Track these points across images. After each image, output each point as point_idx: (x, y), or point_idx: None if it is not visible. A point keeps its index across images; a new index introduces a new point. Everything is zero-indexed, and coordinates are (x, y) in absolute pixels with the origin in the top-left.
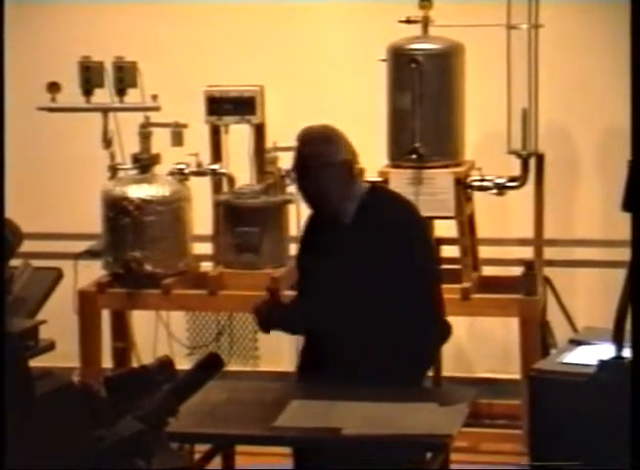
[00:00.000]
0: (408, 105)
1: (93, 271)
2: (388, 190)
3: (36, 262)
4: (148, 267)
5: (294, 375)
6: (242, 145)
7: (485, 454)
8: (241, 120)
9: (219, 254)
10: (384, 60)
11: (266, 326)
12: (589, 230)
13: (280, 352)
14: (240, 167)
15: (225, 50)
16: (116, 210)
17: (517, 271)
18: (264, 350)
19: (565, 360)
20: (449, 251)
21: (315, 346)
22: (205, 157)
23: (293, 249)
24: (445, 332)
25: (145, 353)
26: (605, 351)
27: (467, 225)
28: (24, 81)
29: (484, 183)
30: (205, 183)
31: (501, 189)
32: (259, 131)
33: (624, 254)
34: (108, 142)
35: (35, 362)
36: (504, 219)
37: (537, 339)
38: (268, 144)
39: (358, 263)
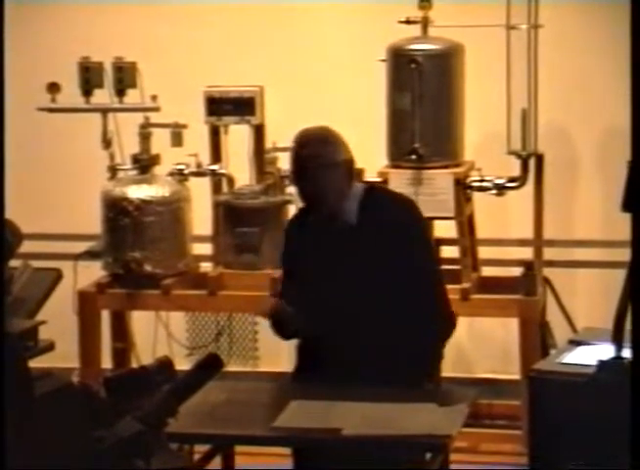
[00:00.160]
0: (408, 105)
1: (93, 272)
2: (385, 189)
3: (36, 263)
4: (147, 268)
5: (291, 375)
6: (241, 145)
7: (485, 455)
8: (240, 121)
9: (219, 254)
10: (383, 60)
11: (288, 333)
12: (589, 231)
13: (279, 352)
14: (239, 168)
15: (225, 50)
16: (116, 210)
17: (516, 272)
18: (264, 350)
19: (564, 361)
20: (449, 251)
21: (317, 347)
22: (205, 157)
23: None
24: (451, 326)
25: (144, 354)
26: (604, 351)
27: (466, 226)
28: (24, 82)
29: (484, 184)
30: (205, 184)
31: (501, 189)
32: (259, 132)
33: (624, 254)
34: (107, 142)
35: (35, 363)
36: (504, 220)
37: (537, 339)
38: (268, 144)
39: (368, 264)
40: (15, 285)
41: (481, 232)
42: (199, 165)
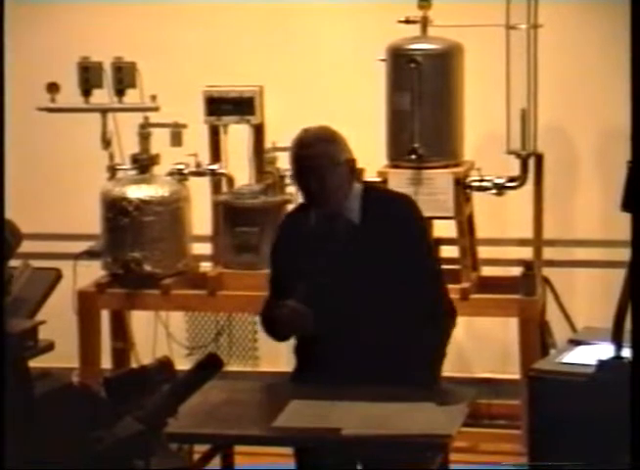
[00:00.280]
0: (407, 105)
1: (92, 272)
2: (382, 188)
3: (36, 263)
4: (147, 268)
5: (291, 376)
6: (241, 145)
7: (485, 454)
8: (240, 121)
9: (218, 254)
10: (383, 60)
11: (287, 333)
12: (588, 230)
13: (279, 352)
14: (239, 168)
15: (225, 50)
16: (116, 210)
17: (516, 271)
18: (263, 350)
19: (564, 360)
20: (448, 251)
21: (321, 347)
22: (205, 157)
23: None
24: (454, 317)
25: (144, 354)
26: (604, 350)
27: (466, 225)
28: (24, 82)
29: (484, 183)
30: (205, 183)
31: (500, 189)
32: (258, 131)
33: (624, 254)
34: (107, 142)
35: (34, 363)
36: (503, 220)
37: (537, 339)
38: (267, 144)
39: (373, 262)
40: (14, 285)
41: (481, 232)
42: (198, 165)
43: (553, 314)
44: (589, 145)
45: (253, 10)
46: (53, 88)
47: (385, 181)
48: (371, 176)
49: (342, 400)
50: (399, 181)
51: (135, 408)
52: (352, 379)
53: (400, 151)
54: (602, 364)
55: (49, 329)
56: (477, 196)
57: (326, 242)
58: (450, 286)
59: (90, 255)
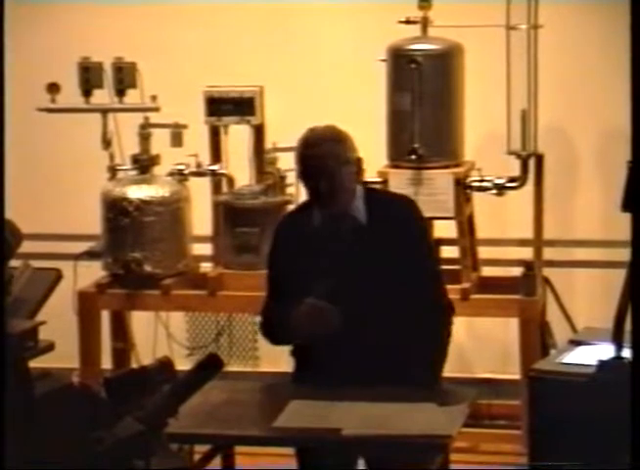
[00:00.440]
0: (408, 105)
1: (93, 272)
2: (382, 189)
3: (36, 263)
4: (147, 268)
5: (291, 377)
6: (241, 146)
7: (485, 455)
8: (240, 121)
9: (219, 254)
10: (383, 60)
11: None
12: (589, 230)
13: (280, 352)
14: (239, 168)
15: (225, 50)
16: (116, 210)
17: (516, 272)
18: (264, 350)
19: (564, 361)
20: (449, 251)
21: (324, 347)
22: (205, 157)
23: None
24: (452, 314)
25: (144, 354)
26: (604, 351)
27: (466, 226)
28: (24, 82)
29: (484, 184)
30: (205, 184)
31: (501, 189)
32: (259, 132)
33: (624, 254)
34: (107, 143)
35: (35, 363)
36: (503, 220)
37: (537, 339)
38: (268, 145)
39: (381, 261)
40: (15, 285)
41: (481, 232)
42: (198, 166)
43: (553, 315)
44: (589, 145)
45: (253, 10)
46: (53, 88)
47: (385, 181)
48: (371, 176)
49: (343, 401)
50: (399, 181)
51: (135, 409)
52: (355, 379)
53: (400, 151)
54: (602, 365)
55: (49, 329)
56: (477, 196)
57: (332, 242)
58: (451, 286)
59: (90, 255)
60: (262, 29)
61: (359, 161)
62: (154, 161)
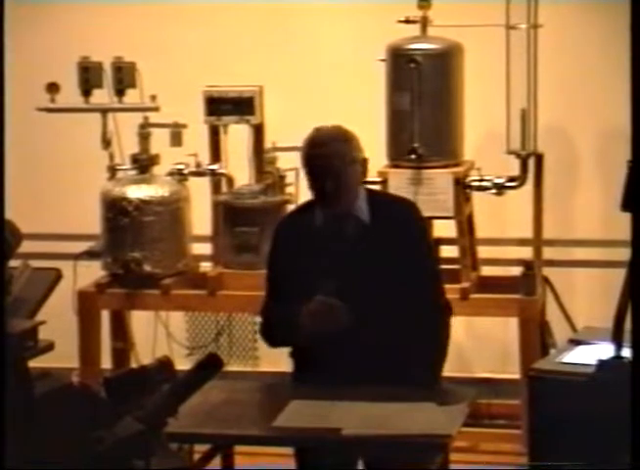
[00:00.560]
0: (407, 105)
1: (92, 272)
2: (381, 190)
3: (35, 263)
4: (147, 268)
5: (291, 377)
6: (241, 145)
7: (485, 454)
8: (240, 121)
9: (218, 254)
10: (383, 60)
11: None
12: (588, 230)
13: (279, 352)
14: (239, 168)
15: (224, 50)
16: (116, 210)
17: (516, 271)
18: (263, 350)
19: (564, 360)
20: (448, 251)
21: (321, 348)
22: (205, 157)
23: None
24: (450, 314)
25: (144, 354)
26: (604, 350)
27: (466, 225)
28: (23, 82)
29: (483, 183)
30: (205, 183)
31: (500, 189)
32: (258, 131)
33: (623, 253)
34: (107, 142)
35: (34, 363)
36: (503, 219)
37: (537, 339)
38: (267, 144)
39: (384, 261)
40: (14, 285)
41: (481, 232)
42: (198, 165)
43: (553, 314)
44: (589, 145)
45: (253, 10)
46: (53, 88)
47: (385, 181)
48: (371, 176)
49: (343, 401)
50: (399, 181)
51: (135, 408)
52: (355, 379)
53: (400, 151)
54: (602, 364)
55: (49, 329)
56: (476, 196)
57: (335, 241)
58: (450, 286)
59: (90, 255)
60: (262, 29)
61: (365, 161)
62: (153, 160)
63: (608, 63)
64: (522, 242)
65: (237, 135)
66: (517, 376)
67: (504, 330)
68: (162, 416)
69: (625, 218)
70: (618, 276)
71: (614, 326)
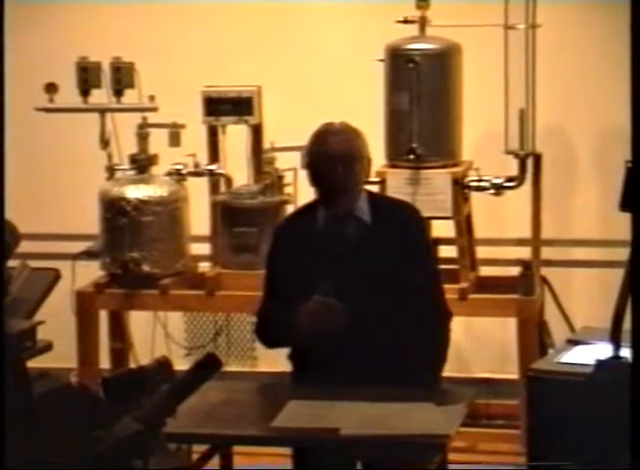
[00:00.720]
0: (406, 105)
1: (91, 272)
2: (380, 193)
3: (34, 263)
4: (145, 268)
5: (290, 376)
6: (239, 145)
7: (483, 454)
8: (238, 121)
9: (217, 254)
10: (381, 60)
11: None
12: (587, 230)
13: (278, 352)
14: (237, 168)
15: (223, 50)
16: (114, 210)
17: (514, 271)
18: (262, 350)
19: (562, 360)
20: (447, 251)
21: (322, 348)
22: (203, 157)
23: None
24: (450, 318)
25: (142, 354)
26: (602, 350)
27: (464, 225)
28: (22, 82)
29: (482, 183)
30: (203, 184)
31: (498, 189)
32: (257, 132)
33: (622, 253)
34: (105, 142)
35: (33, 363)
36: (501, 219)
37: (535, 339)
38: (266, 144)
39: (385, 262)
40: (13, 285)
41: (479, 232)
42: (196, 165)
43: (551, 314)
44: (587, 145)
45: (253, 10)
46: (51, 88)
47: (383, 181)
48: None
49: (342, 401)
50: (398, 181)
51: (134, 408)
52: (355, 380)
53: (399, 151)
54: (600, 364)
55: (47, 329)
56: (475, 196)
57: (336, 242)
58: (448, 286)
59: (88, 255)
60: (260, 29)
61: (369, 161)
62: (152, 160)
63: (606, 63)
64: (520, 242)
65: (235, 135)
66: (515, 376)
67: (502, 330)
68: (161, 416)
69: (624, 218)
70: (617, 276)
71: (612, 326)
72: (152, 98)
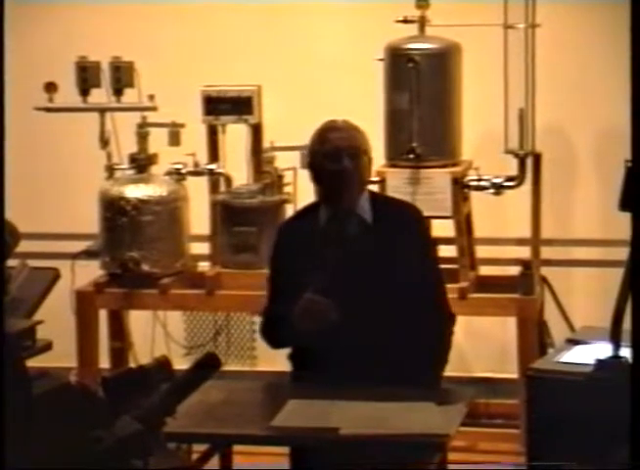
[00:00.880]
0: (405, 104)
1: (90, 271)
2: (382, 193)
3: (33, 262)
4: (145, 267)
5: (291, 376)
6: (239, 145)
7: (483, 454)
8: (238, 120)
9: (216, 253)
10: (381, 59)
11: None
12: (586, 230)
13: (277, 351)
14: (237, 167)
15: (222, 50)
16: (114, 209)
17: (514, 271)
18: (262, 349)
19: (562, 360)
20: (446, 250)
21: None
22: (203, 156)
23: None
24: (454, 321)
25: (142, 354)
26: (602, 350)
27: (464, 225)
28: (21, 81)
29: (482, 183)
30: (203, 183)
31: (498, 189)
32: (256, 131)
33: (622, 253)
34: (105, 142)
35: (32, 362)
36: (501, 219)
37: (535, 338)
38: (265, 144)
39: (387, 261)
40: (12, 285)
41: (479, 231)
42: (196, 165)
43: (551, 314)
44: (587, 144)
45: (252, 9)
46: (51, 88)
47: (383, 181)
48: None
49: (340, 400)
50: (397, 181)
51: (133, 408)
52: (355, 380)
53: (398, 150)
54: (600, 364)
55: (47, 329)
56: (474, 195)
57: (338, 241)
58: (448, 285)
59: (88, 254)
60: (260, 29)
61: (370, 159)
62: (151, 160)
63: (606, 62)
64: (520, 241)
65: (235, 135)
66: (515, 376)
67: (502, 330)
68: (161, 416)
69: (624, 218)
70: (617, 276)
71: (612, 326)
72: (151, 97)
